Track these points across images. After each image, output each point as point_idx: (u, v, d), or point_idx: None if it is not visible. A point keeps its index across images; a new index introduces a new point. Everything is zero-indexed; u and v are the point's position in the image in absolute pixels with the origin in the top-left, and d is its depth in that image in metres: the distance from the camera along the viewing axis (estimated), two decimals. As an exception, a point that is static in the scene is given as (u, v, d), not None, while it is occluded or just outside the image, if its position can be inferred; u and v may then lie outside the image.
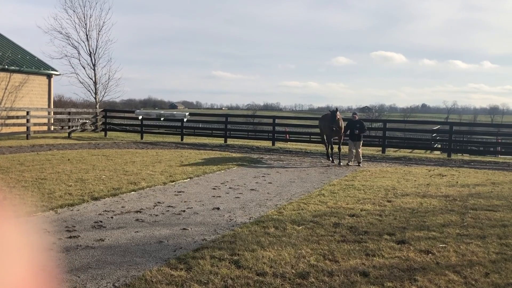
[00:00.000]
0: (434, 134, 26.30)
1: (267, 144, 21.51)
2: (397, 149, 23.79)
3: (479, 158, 18.67)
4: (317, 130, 26.16)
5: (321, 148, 20.78)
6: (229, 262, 4.78)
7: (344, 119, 15.49)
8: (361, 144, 14.37)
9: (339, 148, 14.73)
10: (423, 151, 24.49)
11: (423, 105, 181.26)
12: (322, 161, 15.48)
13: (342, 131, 14.59)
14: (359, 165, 14.04)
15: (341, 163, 14.23)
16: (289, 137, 23.60)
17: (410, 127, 35.70)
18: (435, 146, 24.70)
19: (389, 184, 10.36)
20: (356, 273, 4.56)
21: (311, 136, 24.10)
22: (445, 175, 12.10)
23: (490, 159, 18.10)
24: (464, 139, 25.10)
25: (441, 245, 5.57)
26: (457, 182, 10.92)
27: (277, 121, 21.78)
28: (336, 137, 14.84)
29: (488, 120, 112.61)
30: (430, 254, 5.22)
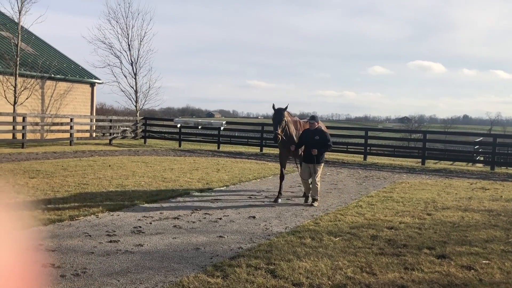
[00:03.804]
0: (477, 146, 25.49)
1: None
2: (437, 161, 23.18)
3: (524, 171, 17.93)
4: (355, 140, 25.94)
5: (358, 158, 20.52)
6: (265, 271, 4.78)
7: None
8: (321, 169, 9.10)
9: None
10: (464, 163, 23.75)
11: (465, 116, 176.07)
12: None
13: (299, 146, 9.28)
14: (313, 204, 8.84)
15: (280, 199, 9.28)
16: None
17: (451, 139, 34.74)
18: (477, 158, 23.91)
19: (429, 196, 10.10)
20: (394, 287, 4.46)
21: (348, 146, 23.87)
22: (488, 189, 11.68)
23: (536, 173, 17.34)
24: (509, 151, 24.17)
25: (484, 261, 5.38)
26: (501, 196, 10.52)
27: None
28: (291, 156, 9.85)
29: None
30: (473, 270, 5.04)
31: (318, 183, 9.01)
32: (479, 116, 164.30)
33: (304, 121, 9.82)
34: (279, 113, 9.07)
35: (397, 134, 40.95)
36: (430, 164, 20.34)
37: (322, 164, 9.14)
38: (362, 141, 20.83)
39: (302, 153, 9.25)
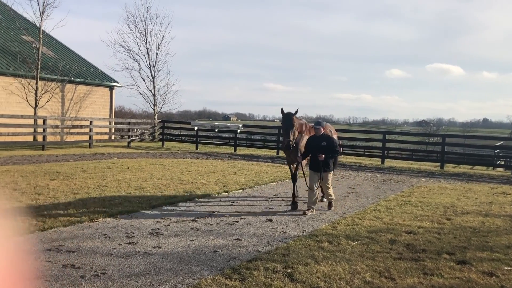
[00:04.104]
0: (497, 150, 25.05)
1: (320, 157, 21.30)
2: (456, 165, 22.86)
3: (547, 176, 17.54)
4: (373, 144, 25.75)
5: (376, 162, 20.35)
6: (283, 275, 4.78)
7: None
8: (330, 177, 8.63)
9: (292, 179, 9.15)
10: (484, 167, 23.35)
11: (485, 120, 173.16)
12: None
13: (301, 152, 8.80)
14: (329, 208, 8.71)
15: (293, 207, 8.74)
16: (342, 150, 23.29)
17: (470, 143, 34.21)
18: (498, 162, 23.51)
19: (448, 201, 9.96)
20: (414, 293, 4.41)
21: (366, 150, 23.70)
22: (509, 194, 11.47)
23: (559, 178, 16.96)
24: (531, 156, 23.72)
25: (506, 268, 5.28)
26: (523, 201, 10.32)
27: (330, 134, 21.55)
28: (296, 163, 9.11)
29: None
30: (494, 277, 4.96)
31: (331, 188, 8.65)
32: (500, 119, 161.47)
33: (311, 125, 9.22)
34: (289, 118, 8.62)
35: (415, 138, 40.50)
36: (449, 168, 20.06)
37: (332, 172, 8.63)
38: (379, 144, 20.68)
39: (304, 160, 8.85)
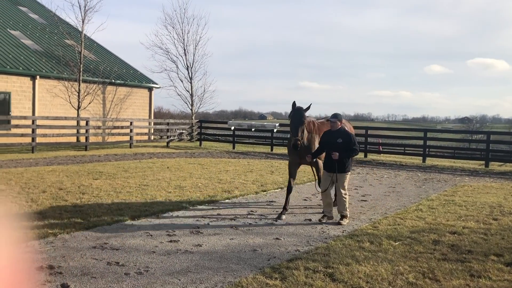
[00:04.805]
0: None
1: (359, 156, 21.00)
2: (502, 163, 22.01)
3: None
4: (413, 142, 25.11)
5: (417, 160, 19.87)
6: (324, 275, 4.73)
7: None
8: (347, 178, 7.52)
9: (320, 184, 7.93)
10: (532, 165, 22.37)
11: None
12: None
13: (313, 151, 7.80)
14: (341, 222, 7.27)
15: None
16: (382, 148, 22.85)
17: (517, 140, 32.83)
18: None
19: (495, 200, 9.60)
20: (460, 295, 4.27)
21: (406, 148, 23.17)
22: (560, 193, 10.94)
23: None
24: None
25: (559, 270, 5.03)
26: None
27: (369, 132, 21.21)
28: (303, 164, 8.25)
29: None
30: (546, 280, 4.73)
31: (346, 196, 7.40)
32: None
33: (322, 121, 8.42)
34: (299, 114, 7.60)
35: (457, 135, 39.36)
36: (495, 166, 19.33)
37: (348, 173, 7.53)
38: (420, 142, 20.16)
39: (312, 159, 7.78)
